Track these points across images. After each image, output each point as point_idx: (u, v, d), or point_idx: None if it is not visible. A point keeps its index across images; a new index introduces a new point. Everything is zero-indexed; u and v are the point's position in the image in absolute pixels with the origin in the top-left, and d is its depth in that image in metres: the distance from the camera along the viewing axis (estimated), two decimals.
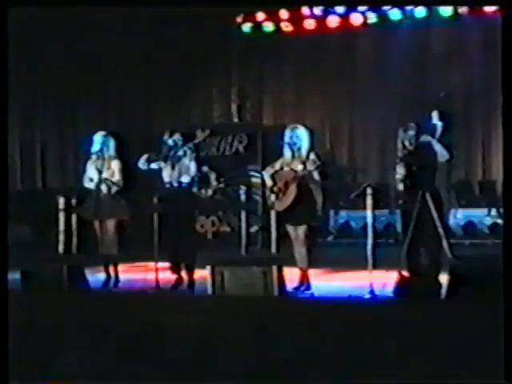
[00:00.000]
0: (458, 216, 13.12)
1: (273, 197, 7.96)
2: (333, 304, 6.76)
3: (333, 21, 14.97)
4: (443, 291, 6.48)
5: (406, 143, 7.65)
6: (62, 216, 9.98)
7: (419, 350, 4.65)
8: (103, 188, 8.55)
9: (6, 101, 5.20)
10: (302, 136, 7.88)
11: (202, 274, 7.81)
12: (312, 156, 7.75)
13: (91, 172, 8.68)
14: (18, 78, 10.26)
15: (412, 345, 4.75)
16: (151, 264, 8.33)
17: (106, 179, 8.54)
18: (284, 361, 4.69)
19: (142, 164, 8.36)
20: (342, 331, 5.09)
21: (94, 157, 8.72)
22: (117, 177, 8.56)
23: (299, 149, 7.84)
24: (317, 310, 6.37)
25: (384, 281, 7.27)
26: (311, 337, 4.99)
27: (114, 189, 8.53)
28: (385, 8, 14.47)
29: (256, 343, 4.92)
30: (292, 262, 7.91)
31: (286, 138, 7.94)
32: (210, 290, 7.36)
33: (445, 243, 7.51)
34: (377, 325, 5.22)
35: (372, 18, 14.72)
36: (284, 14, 15.22)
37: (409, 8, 14.34)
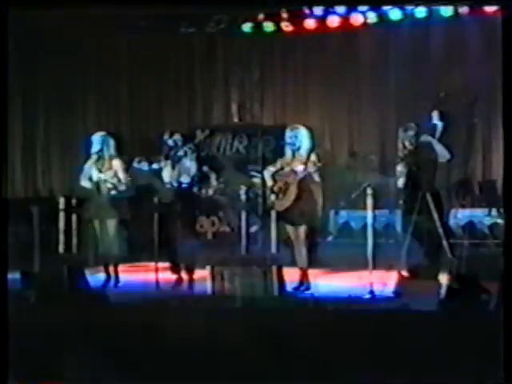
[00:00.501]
0: (458, 216, 13.10)
1: (273, 197, 7.95)
2: (333, 304, 6.76)
3: (333, 21, 14.97)
4: (443, 291, 6.48)
5: (407, 143, 7.66)
6: (62, 216, 9.97)
7: (419, 351, 4.64)
8: (104, 188, 8.55)
9: (5, 101, 5.20)
10: (302, 136, 7.87)
11: (202, 273, 7.81)
12: (313, 157, 7.74)
13: (91, 172, 8.68)
14: (18, 78, 10.26)
15: (412, 345, 4.75)
16: (151, 264, 8.33)
17: (108, 180, 8.54)
18: (284, 361, 4.69)
19: (136, 166, 8.38)
20: (342, 331, 5.08)
21: (94, 157, 8.71)
22: (121, 176, 8.54)
23: (299, 149, 7.84)
24: (317, 309, 6.37)
25: (384, 281, 7.26)
26: (311, 337, 4.99)
27: (122, 188, 8.50)
28: (385, 8, 14.46)
29: (256, 343, 4.91)
30: (292, 262, 7.90)
31: (286, 138, 7.94)
32: (209, 290, 7.36)
33: (445, 243, 7.51)
34: (377, 325, 5.22)
35: (372, 17, 14.72)
36: (284, 13, 15.20)
37: (409, 8, 14.33)
